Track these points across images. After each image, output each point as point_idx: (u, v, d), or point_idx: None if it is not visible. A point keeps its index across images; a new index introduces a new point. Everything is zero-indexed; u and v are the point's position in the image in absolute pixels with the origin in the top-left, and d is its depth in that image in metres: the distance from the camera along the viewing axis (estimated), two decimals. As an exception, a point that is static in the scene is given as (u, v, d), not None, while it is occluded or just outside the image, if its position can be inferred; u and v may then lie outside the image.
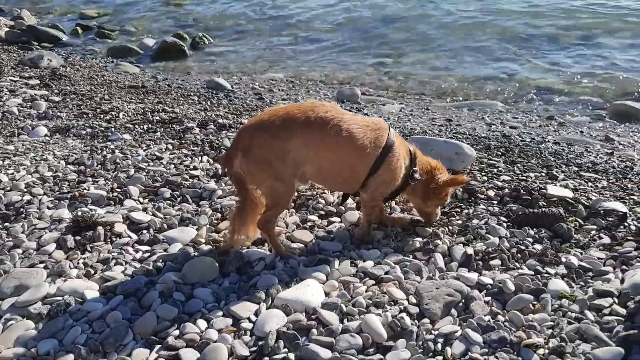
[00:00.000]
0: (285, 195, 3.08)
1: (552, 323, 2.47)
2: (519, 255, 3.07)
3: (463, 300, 2.65)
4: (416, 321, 2.53)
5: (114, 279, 2.88)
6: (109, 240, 3.38)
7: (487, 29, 8.56)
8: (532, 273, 2.85)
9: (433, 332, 2.44)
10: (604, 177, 4.40)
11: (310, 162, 3.00)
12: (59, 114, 6.08)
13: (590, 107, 6.24)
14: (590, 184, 4.21)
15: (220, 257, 3.06)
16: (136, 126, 5.58)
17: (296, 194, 3.97)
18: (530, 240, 3.23)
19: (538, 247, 3.15)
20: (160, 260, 3.08)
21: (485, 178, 4.23)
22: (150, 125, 5.60)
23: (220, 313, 2.61)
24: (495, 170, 4.44)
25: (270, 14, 11.17)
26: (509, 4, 9.25)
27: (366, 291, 2.76)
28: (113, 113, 6.05)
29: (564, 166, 4.64)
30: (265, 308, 2.63)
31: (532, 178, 4.23)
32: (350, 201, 3.76)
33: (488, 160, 4.71)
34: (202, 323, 2.53)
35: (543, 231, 3.30)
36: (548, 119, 6.10)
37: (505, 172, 4.38)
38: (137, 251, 3.24)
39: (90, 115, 6.03)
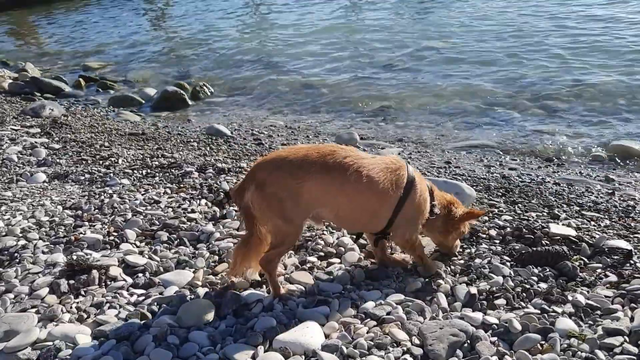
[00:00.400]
0: (291, 236, 3.02)
1: (561, 363, 2.37)
2: (524, 294, 2.98)
3: (468, 341, 2.55)
4: (420, 363, 2.43)
5: (107, 323, 2.79)
6: (103, 284, 3.30)
7: (482, 84, 8.68)
8: (539, 312, 2.77)
9: (438, 374, 2.34)
10: (606, 216, 4.35)
11: (327, 207, 2.96)
12: (58, 160, 6.08)
13: (589, 148, 6.24)
14: (592, 222, 4.15)
15: (216, 299, 2.98)
16: (135, 171, 5.56)
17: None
18: (535, 279, 3.15)
19: (543, 285, 3.07)
20: (155, 304, 2.99)
21: (486, 218, 4.18)
22: (149, 170, 5.59)
23: (217, 357, 2.51)
24: (496, 210, 4.40)
25: (271, 66, 11.37)
26: (500, 62, 9.41)
27: (367, 332, 2.67)
28: (112, 159, 6.05)
29: (565, 206, 4.59)
30: (262, 351, 2.54)
31: (534, 217, 4.18)
32: (349, 241, 3.70)
33: (488, 200, 4.67)
34: (197, 367, 2.43)
35: (547, 270, 3.23)
36: (547, 161, 6.10)
37: (506, 212, 4.33)
38: (131, 295, 3.16)
39: (89, 162, 6.03)
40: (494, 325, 2.67)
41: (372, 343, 2.56)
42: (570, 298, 2.88)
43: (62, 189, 5.18)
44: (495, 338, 2.59)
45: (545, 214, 4.34)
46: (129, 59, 13.51)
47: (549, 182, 5.35)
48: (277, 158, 2.94)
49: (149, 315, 2.87)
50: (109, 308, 2.98)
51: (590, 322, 2.71)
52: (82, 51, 15.05)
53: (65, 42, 16.53)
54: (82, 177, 5.45)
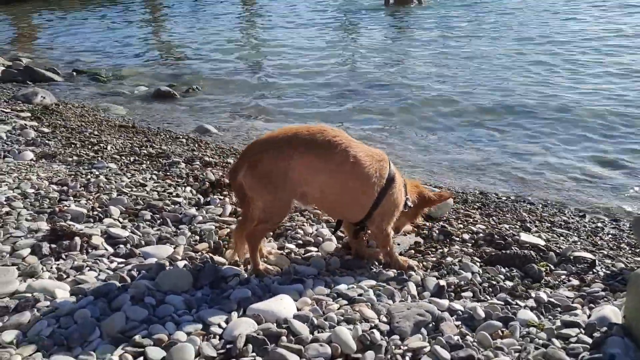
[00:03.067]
0: (279, 213, 3.13)
1: (519, 347, 2.50)
2: (490, 289, 3.12)
3: (433, 322, 2.67)
4: (386, 337, 2.54)
5: (86, 282, 2.86)
6: (85, 251, 3.37)
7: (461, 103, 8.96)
8: (502, 303, 2.90)
9: (402, 347, 2.45)
10: (575, 234, 4.53)
11: (312, 185, 3.05)
12: (47, 142, 6.14)
13: (565, 170, 6.40)
14: (562, 238, 4.32)
15: (195, 271, 3.07)
16: (123, 157, 5.65)
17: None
18: (502, 277, 3.29)
19: (509, 283, 3.21)
20: (135, 270, 3.07)
21: (461, 226, 4.34)
22: (136, 158, 5.68)
23: (191, 318, 2.59)
24: (471, 219, 4.56)
25: (265, 72, 11.63)
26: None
27: (338, 309, 2.78)
28: (101, 145, 6.13)
29: (537, 222, 4.77)
30: (236, 317, 2.63)
31: (507, 228, 4.34)
32: (327, 232, 3.82)
33: (465, 211, 4.83)
34: (171, 325, 2.51)
35: (515, 270, 3.37)
36: (522, 180, 6.24)
37: (480, 222, 4.49)
38: (112, 262, 3.23)
39: (78, 146, 6.09)
40: (459, 311, 2.80)
41: (342, 318, 2.66)
42: (533, 295, 3.02)
43: (50, 167, 5.23)
44: (459, 322, 2.71)
45: (517, 226, 4.51)
46: (125, 57, 13.65)
47: (524, 201, 5.54)
48: (269, 138, 3.09)
49: (128, 279, 2.95)
50: (89, 270, 3.05)
51: (550, 316, 2.85)
52: (78, 46, 15.15)
53: (64, 37, 16.64)
54: (70, 159, 5.52)
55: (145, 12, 21.47)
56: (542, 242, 3.88)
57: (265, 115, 8.96)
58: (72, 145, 6.09)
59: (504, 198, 5.57)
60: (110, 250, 3.39)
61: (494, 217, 4.75)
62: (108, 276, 2.95)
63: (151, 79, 11.53)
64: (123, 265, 3.18)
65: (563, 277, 3.41)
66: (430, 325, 2.65)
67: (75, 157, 5.56)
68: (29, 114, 7.76)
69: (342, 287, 3.01)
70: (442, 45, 12.82)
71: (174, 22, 19.02)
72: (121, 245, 3.45)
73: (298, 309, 2.76)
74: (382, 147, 7.36)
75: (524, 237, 3.92)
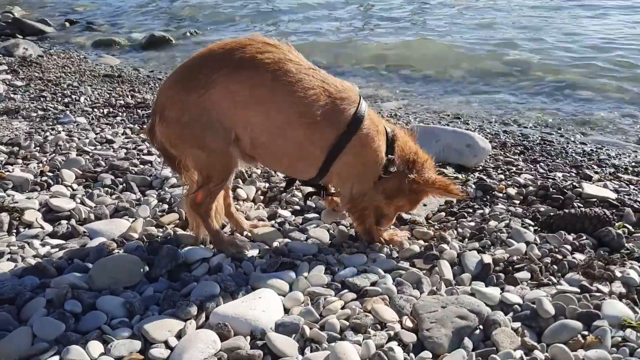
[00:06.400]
0: (217, 166, 2.23)
1: (615, 364, 1.66)
2: (555, 266, 2.25)
3: (481, 327, 1.83)
4: (412, 355, 1.72)
5: (-5, 280, 2.09)
6: (14, 230, 2.59)
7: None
8: (577, 290, 2.04)
9: (437, 373, 1.63)
10: (649, 180, 3.59)
11: (240, 126, 2.15)
12: (12, 95, 5.33)
13: (619, 104, 5.37)
14: (632, 186, 3.40)
15: (149, 256, 2.26)
16: (95, 110, 4.82)
17: (267, 184, 3.19)
18: (569, 247, 2.41)
19: (580, 257, 2.33)
20: (67, 257, 2.28)
21: (503, 177, 3.46)
22: (111, 110, 4.84)
23: (128, 333, 1.80)
24: (513, 168, 3.66)
25: (265, 10, 10.61)
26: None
27: (342, 308, 1.96)
28: (74, 97, 5.29)
29: (596, 167, 3.84)
30: (194, 327, 1.82)
31: (560, 177, 3.44)
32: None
33: (504, 157, 3.92)
34: (95, 346, 1.72)
35: (584, 237, 2.49)
36: (571, 117, 5.26)
37: (526, 171, 3.59)
38: (44, 245, 2.44)
39: (48, 99, 5.27)
40: (516, 305, 1.95)
41: (348, 323, 1.85)
42: (618, 274, 2.14)
43: (8, 125, 4.44)
44: (519, 324, 1.86)
45: (573, 174, 3.60)
46: (121, 7, 12.67)
47: (574, 141, 4.58)
48: (177, 70, 2.23)
49: (55, 272, 2.16)
50: (8, 260, 2.27)
51: (649, 307, 1.99)
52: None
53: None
54: (35, 114, 4.71)
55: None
56: (613, 195, 2.98)
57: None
58: (42, 99, 5.26)
59: (550, 139, 4.61)
60: (48, 228, 2.60)
61: (541, 164, 3.83)
62: (26, 268, 2.16)
63: (147, 24, 10.60)
64: (57, 250, 2.39)
65: (649, 242, 2.52)
66: (477, 332, 1.81)
67: (40, 112, 4.75)
68: (5, 68, 6.95)
69: (349, 273, 2.18)
70: None
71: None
72: (63, 222, 2.66)
73: (286, 310, 1.95)
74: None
75: (588, 188, 3.02)
